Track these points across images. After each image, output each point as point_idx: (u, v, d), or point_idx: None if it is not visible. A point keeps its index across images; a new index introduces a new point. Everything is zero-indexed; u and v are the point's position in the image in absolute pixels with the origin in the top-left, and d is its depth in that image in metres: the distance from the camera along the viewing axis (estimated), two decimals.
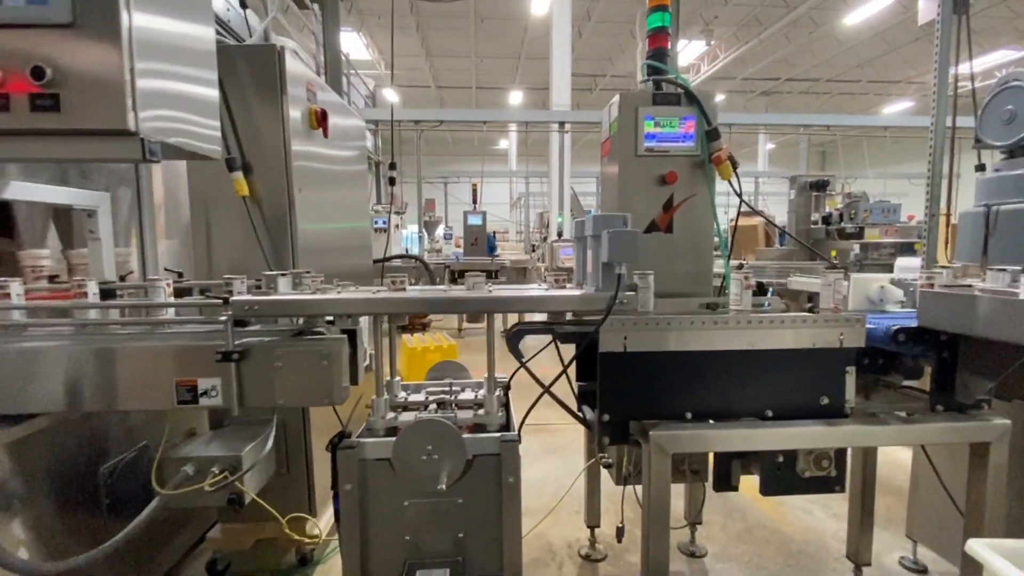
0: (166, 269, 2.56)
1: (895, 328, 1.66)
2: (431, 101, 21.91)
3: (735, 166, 2.15)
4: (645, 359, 1.58)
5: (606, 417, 1.60)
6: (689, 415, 1.61)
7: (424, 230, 14.37)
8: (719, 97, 20.50)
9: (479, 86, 20.56)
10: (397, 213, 13.13)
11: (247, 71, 2.11)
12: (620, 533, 2.28)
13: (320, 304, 1.49)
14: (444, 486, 1.37)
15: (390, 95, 20.50)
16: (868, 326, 1.75)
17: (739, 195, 2.21)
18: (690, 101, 2.08)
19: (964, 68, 4.18)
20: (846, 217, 7.62)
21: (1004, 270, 1.76)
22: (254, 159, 2.17)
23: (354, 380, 1.62)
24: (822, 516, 2.87)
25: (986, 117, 3.20)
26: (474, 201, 10.07)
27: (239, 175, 2.09)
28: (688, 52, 16.06)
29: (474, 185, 10.64)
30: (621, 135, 2.10)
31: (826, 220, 7.90)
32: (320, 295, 1.54)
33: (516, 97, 20.36)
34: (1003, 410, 1.72)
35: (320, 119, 2.37)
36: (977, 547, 1.30)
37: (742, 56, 16.10)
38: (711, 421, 1.61)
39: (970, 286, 1.78)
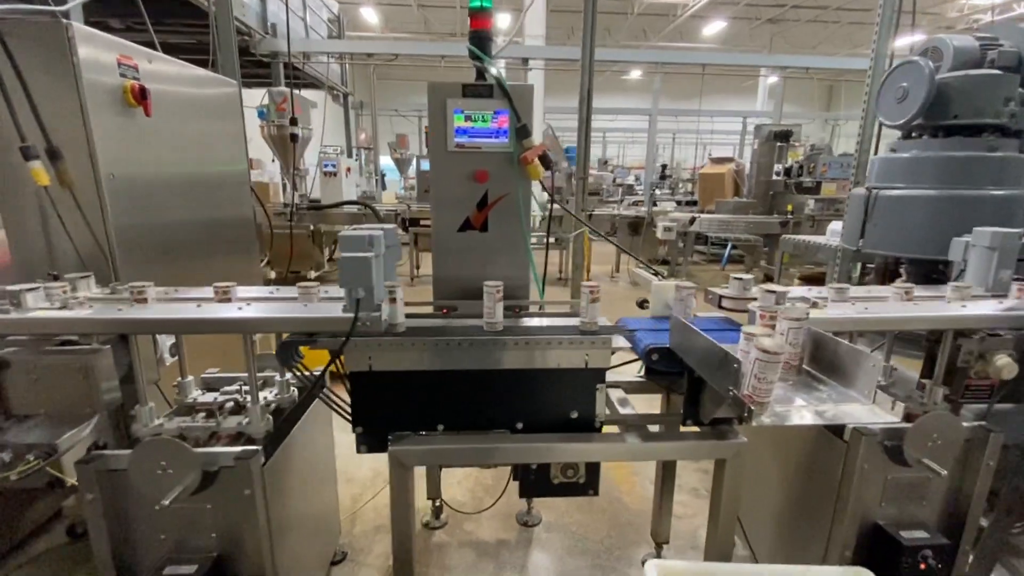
0: None
1: (648, 347, 1.68)
2: (414, 23, 20.59)
3: (547, 165, 2.08)
4: (392, 377, 1.62)
5: (359, 430, 1.67)
6: (441, 427, 1.67)
7: (399, 169, 14.01)
8: (719, 25, 19.27)
9: (463, 6, 19.21)
10: (366, 149, 12.75)
11: (36, 51, 1.99)
12: (438, 512, 2.43)
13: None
14: (168, 502, 1.45)
15: (368, 14, 19.28)
16: (639, 337, 1.78)
17: (551, 195, 2.15)
18: (502, 94, 1.98)
19: None
20: (805, 170, 7.41)
21: (740, 279, 1.77)
22: (64, 145, 2.10)
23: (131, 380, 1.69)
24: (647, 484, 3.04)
25: (883, 94, 3.04)
26: (427, 144, 9.73)
27: (35, 164, 2.02)
28: None
29: (427, 130, 10.21)
30: (433, 129, 2.02)
31: (787, 172, 7.68)
32: (38, 313, 1.53)
33: (504, 20, 19.09)
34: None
35: (139, 96, 2.26)
36: (649, 568, 1.40)
37: None
38: (460, 433, 1.68)
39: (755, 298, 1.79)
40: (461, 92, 1.99)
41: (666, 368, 1.67)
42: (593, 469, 1.76)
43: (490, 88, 1.98)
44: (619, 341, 1.70)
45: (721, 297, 1.87)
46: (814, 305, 1.73)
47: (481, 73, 2.04)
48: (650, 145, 11.77)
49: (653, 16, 19.55)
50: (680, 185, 13.44)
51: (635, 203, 10.32)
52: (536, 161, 2.00)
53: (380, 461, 2.43)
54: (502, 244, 2.10)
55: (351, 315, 1.52)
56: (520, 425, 1.69)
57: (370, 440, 1.69)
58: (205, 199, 2.91)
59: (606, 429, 1.76)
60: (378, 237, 1.59)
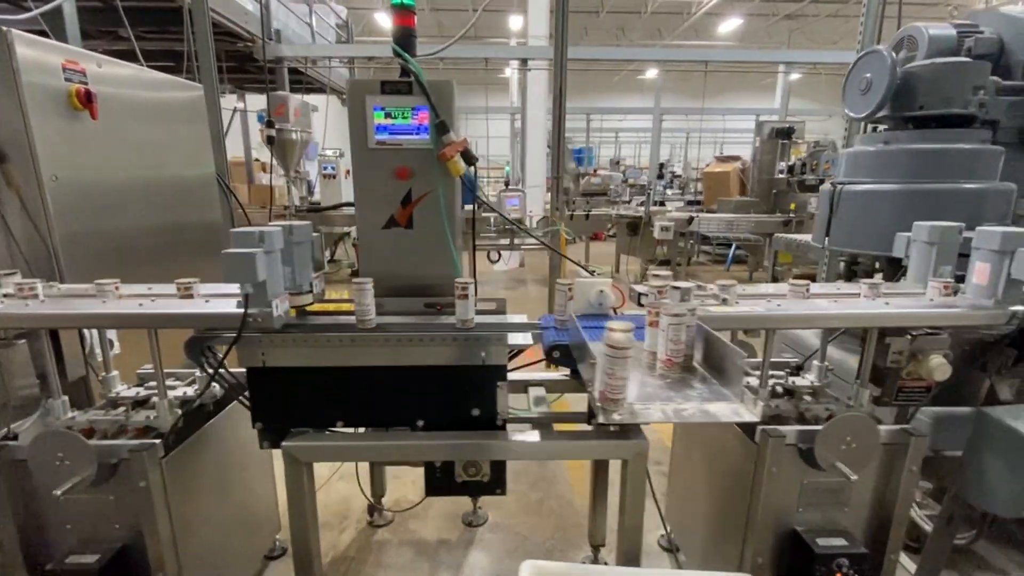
0: None
1: (549, 344, 1.65)
2: (427, 25, 20.80)
3: (470, 161, 2.06)
4: (287, 373, 1.62)
5: (259, 425, 1.68)
6: (340, 424, 1.67)
7: None
8: (735, 23, 18.90)
9: (475, 8, 19.33)
10: None
11: None
12: (371, 511, 2.43)
13: None
14: (60, 493, 1.48)
15: (383, 19, 19.53)
16: (547, 335, 1.76)
17: (473, 192, 2.13)
18: (420, 90, 1.97)
19: None
20: (808, 168, 7.21)
21: (659, 275, 1.71)
22: (7, 148, 2.18)
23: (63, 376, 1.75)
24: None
25: (848, 86, 2.93)
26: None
27: None
28: None
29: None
30: (353, 126, 2.02)
31: (790, 170, 7.49)
32: None
33: (517, 22, 19.14)
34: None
35: (84, 100, 2.33)
36: (524, 569, 1.37)
37: None
38: (362, 430, 1.68)
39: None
40: (380, 89, 1.99)
41: (566, 365, 1.64)
42: (498, 468, 1.74)
43: (409, 85, 1.98)
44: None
45: (640, 295, 1.82)
46: (724, 302, 1.68)
47: (406, 71, 2.03)
48: (654, 144, 11.61)
49: (667, 15, 19.32)
50: (690, 185, 13.23)
51: (642, 203, 10.19)
52: (456, 157, 1.99)
53: None
54: (428, 241, 2.09)
55: (242, 311, 1.53)
56: (421, 423, 1.68)
57: (272, 437, 1.70)
58: (167, 203, 2.96)
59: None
60: (273, 233, 1.60)
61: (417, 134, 2.02)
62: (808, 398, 1.89)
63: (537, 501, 2.86)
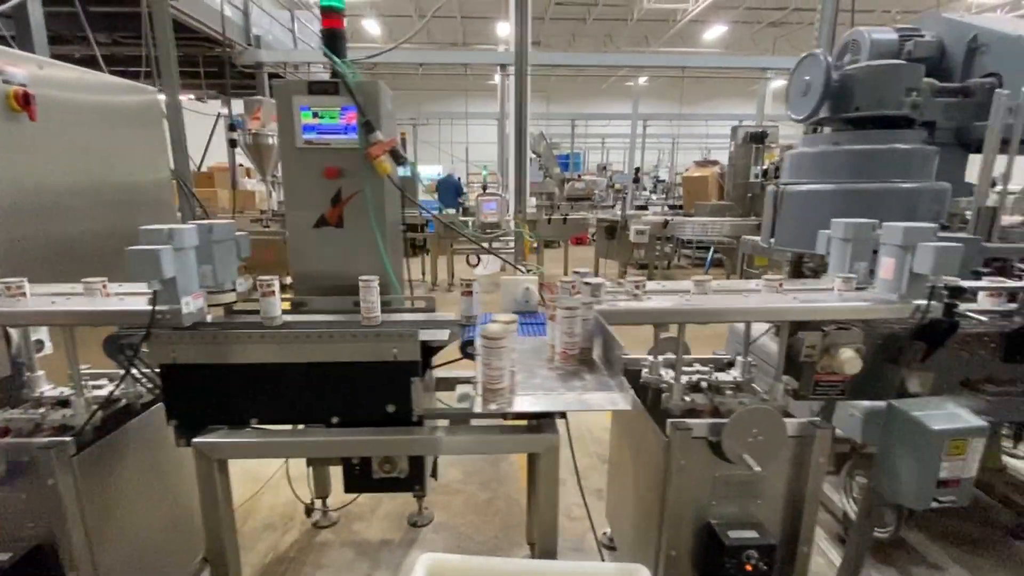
0: None
1: (464, 340, 1.67)
2: (416, 31, 20.84)
3: (400, 161, 2.09)
4: (200, 370, 1.63)
5: (174, 423, 1.68)
6: (255, 422, 1.68)
7: None
8: (720, 30, 19.09)
9: (464, 15, 19.49)
10: None
11: None
12: (308, 511, 2.43)
13: None
14: None
15: (371, 26, 19.63)
16: (465, 331, 1.77)
17: (401, 191, 2.15)
18: (347, 90, 1.99)
19: None
20: (781, 171, 7.26)
21: (579, 272, 1.73)
22: None
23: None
24: (572, 489, 2.99)
25: (791, 89, 2.98)
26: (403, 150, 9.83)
27: None
28: None
29: (403, 134, 10.34)
30: (282, 126, 2.04)
31: (764, 174, 7.56)
32: None
33: (504, 28, 19.27)
34: None
35: (23, 102, 2.34)
36: (420, 563, 1.39)
37: None
38: (278, 427, 1.69)
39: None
40: (307, 89, 2.01)
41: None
42: (417, 464, 1.75)
43: (336, 85, 2.00)
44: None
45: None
46: (635, 297, 1.70)
47: (336, 72, 2.06)
48: (631, 149, 11.74)
49: (654, 22, 19.50)
50: (674, 189, 13.32)
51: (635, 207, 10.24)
52: (384, 156, 2.01)
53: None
54: (359, 241, 2.11)
55: (150, 308, 1.54)
56: (336, 419, 1.69)
57: (188, 434, 1.70)
58: (116, 208, 2.95)
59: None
60: (184, 231, 1.62)
61: (345, 133, 2.04)
62: (730, 393, 1.91)
63: (485, 501, 2.86)
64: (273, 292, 1.70)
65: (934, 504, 1.66)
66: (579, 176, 12.61)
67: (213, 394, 1.66)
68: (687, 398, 1.80)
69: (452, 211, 9.24)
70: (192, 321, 1.63)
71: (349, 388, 1.67)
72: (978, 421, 1.62)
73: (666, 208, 9.93)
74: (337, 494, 2.89)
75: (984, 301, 2.09)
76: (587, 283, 1.63)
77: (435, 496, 2.91)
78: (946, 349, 1.89)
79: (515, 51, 4.18)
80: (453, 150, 16.93)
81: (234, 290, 1.92)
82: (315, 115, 2.03)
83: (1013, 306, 1.91)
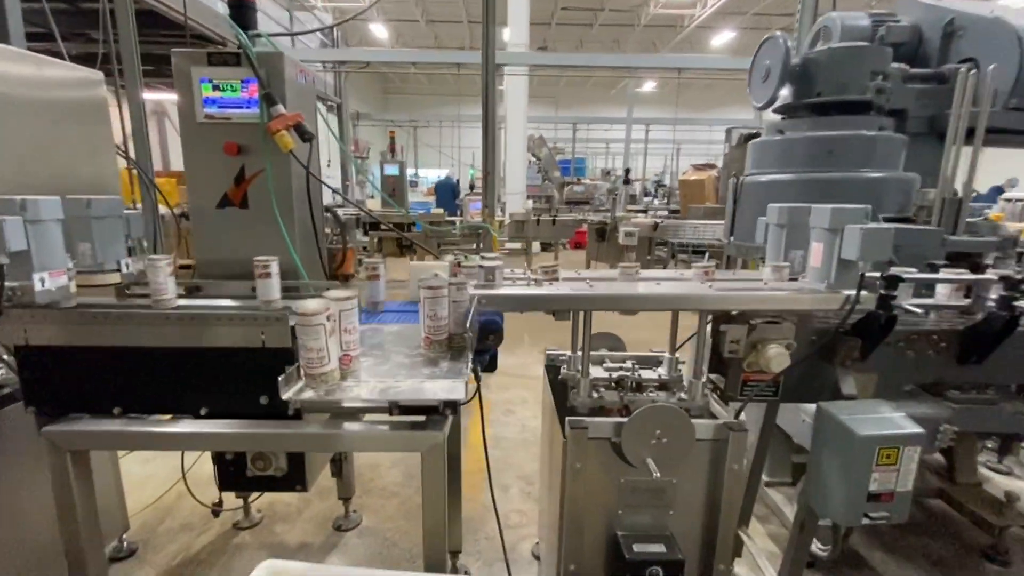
0: None
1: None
2: (423, 37, 20.98)
3: (305, 137, 1.96)
4: (55, 353, 1.51)
5: (32, 409, 1.56)
6: (117, 411, 1.55)
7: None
8: (728, 36, 18.89)
9: (471, 20, 19.54)
10: (360, 158, 12.96)
11: None
12: (215, 512, 2.29)
13: None
14: None
15: (378, 30, 19.75)
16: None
17: (306, 168, 2.01)
18: (247, 61, 1.87)
19: None
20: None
21: (488, 257, 1.57)
22: None
23: None
24: (516, 495, 2.83)
25: (752, 75, 2.81)
26: (391, 150, 9.78)
27: None
28: None
29: (391, 133, 10.29)
30: (182, 99, 1.93)
31: None
32: None
33: (508, 34, 19.29)
34: None
35: None
36: (259, 569, 1.24)
37: None
38: (147, 416, 1.55)
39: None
40: (207, 60, 1.90)
41: None
42: (296, 462, 1.60)
43: (237, 56, 1.89)
44: None
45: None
46: (536, 283, 1.54)
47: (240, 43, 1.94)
48: (627, 154, 11.59)
49: (662, 27, 19.38)
50: (675, 194, 13.10)
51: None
52: (285, 132, 1.88)
53: None
54: (265, 222, 1.98)
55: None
56: (204, 410, 1.55)
57: (49, 422, 1.58)
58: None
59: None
60: (42, 203, 1.50)
61: (248, 107, 1.92)
62: (651, 392, 1.74)
63: (419, 505, 2.70)
64: (163, 270, 1.56)
65: (865, 521, 1.47)
66: (578, 180, 12.45)
67: (71, 379, 1.53)
68: (595, 395, 1.64)
69: (444, 212, 9.15)
70: (49, 300, 1.50)
71: (218, 377, 1.53)
72: (913, 427, 1.43)
73: (669, 213, 9.74)
74: (264, 494, 2.76)
75: (943, 296, 1.89)
76: (482, 266, 1.48)
77: (369, 499, 2.76)
78: (892, 348, 1.71)
79: (482, 48, 4.07)
80: (454, 153, 16.91)
81: (118, 271, 1.80)
82: (216, 88, 1.91)
83: (968, 302, 1.71)
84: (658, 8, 17.32)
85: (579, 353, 1.84)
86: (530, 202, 10.98)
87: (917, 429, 1.42)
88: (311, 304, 1.03)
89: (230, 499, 2.49)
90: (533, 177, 12.67)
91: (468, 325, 1.20)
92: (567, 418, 1.49)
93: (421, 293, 1.25)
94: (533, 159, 12.29)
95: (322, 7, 14.23)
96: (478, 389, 1.45)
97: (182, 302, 1.72)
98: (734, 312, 1.63)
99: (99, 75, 3.14)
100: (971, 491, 2.50)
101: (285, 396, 1.10)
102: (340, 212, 7.92)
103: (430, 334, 1.29)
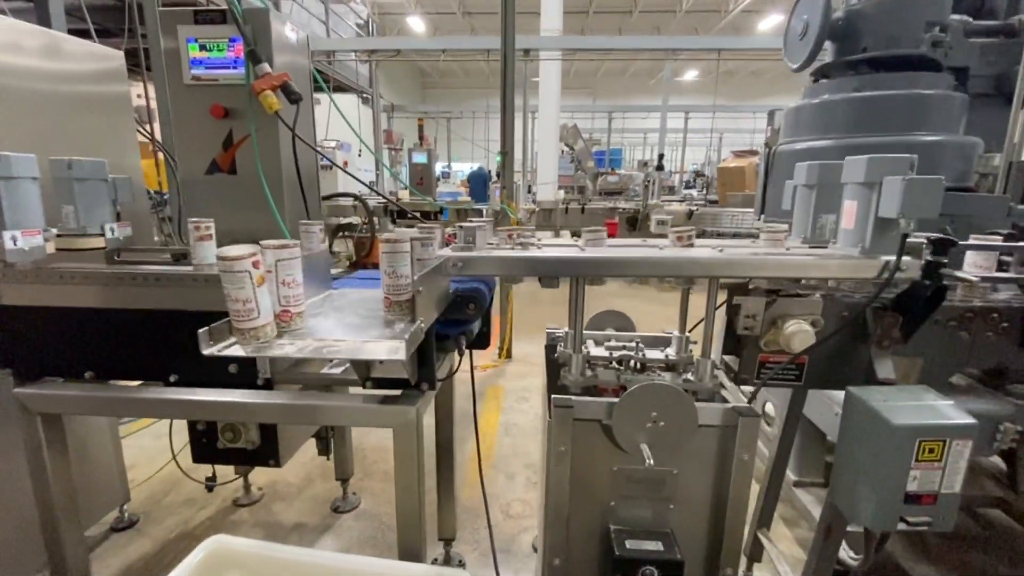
0: None
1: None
2: (461, 29, 20.94)
3: (292, 98, 1.86)
4: (28, 313, 1.46)
5: (8, 371, 1.52)
6: (89, 375, 1.49)
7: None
8: (776, 20, 17.95)
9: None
10: (393, 149, 13.04)
11: None
12: (208, 487, 2.25)
13: None
14: None
15: (415, 24, 19.85)
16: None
17: (292, 131, 1.91)
18: (232, 17, 1.79)
19: None
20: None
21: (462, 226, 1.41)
22: None
23: None
24: (521, 484, 2.69)
25: (788, 35, 2.55)
26: (420, 138, 9.72)
27: None
28: None
29: (419, 121, 10.23)
30: (169, 60, 1.87)
31: None
32: None
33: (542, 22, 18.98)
34: None
35: None
36: (204, 544, 1.16)
37: None
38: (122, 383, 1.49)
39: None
40: (193, 19, 1.83)
41: None
42: (269, 436, 1.51)
43: (223, 14, 1.81)
44: None
45: None
46: (520, 246, 1.39)
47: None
48: (661, 139, 11.16)
49: (704, 13, 18.65)
50: (713, 184, 12.57)
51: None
52: (270, 92, 1.79)
53: None
54: (255, 187, 1.90)
55: None
56: (174, 378, 1.48)
57: (24, 385, 1.54)
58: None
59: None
60: (18, 158, 1.45)
61: (235, 67, 1.84)
62: (655, 372, 1.56)
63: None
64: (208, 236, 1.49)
65: (902, 526, 1.26)
66: (613, 171, 12.11)
67: (44, 341, 1.49)
68: (589, 373, 1.47)
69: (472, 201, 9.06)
70: (20, 259, 1.46)
71: (187, 343, 1.45)
72: (964, 417, 1.20)
73: (703, 201, 9.33)
74: (265, 472, 2.73)
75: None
76: (462, 227, 1.34)
77: (370, 482, 2.68)
78: (941, 328, 1.47)
79: (501, 37, 3.95)
80: (488, 146, 16.83)
81: (102, 235, 1.75)
82: (202, 48, 1.84)
83: None
84: None
85: (570, 331, 1.68)
86: (561, 192, 10.75)
87: (968, 420, 1.19)
88: (234, 249, 0.92)
89: (229, 475, 2.47)
90: (566, 167, 12.41)
91: (416, 281, 1.06)
92: (552, 396, 1.34)
93: (380, 248, 1.12)
94: (566, 149, 12.03)
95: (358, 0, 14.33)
96: (458, 367, 1.31)
97: (168, 269, 1.66)
98: (751, 285, 1.44)
99: (118, 53, 3.17)
100: None
101: (206, 351, 1.00)
102: (370, 202, 7.96)
103: (390, 294, 1.16)
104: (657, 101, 12.92)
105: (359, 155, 10.05)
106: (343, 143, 8.95)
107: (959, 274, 1.31)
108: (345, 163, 8.35)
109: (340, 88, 11.76)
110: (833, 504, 1.45)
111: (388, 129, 14.04)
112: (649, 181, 7.45)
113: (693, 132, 17.00)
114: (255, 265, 0.93)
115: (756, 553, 1.99)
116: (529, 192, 11.85)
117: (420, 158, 8.03)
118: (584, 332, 1.77)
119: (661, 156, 8.82)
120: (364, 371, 1.39)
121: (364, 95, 12.85)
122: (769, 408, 2.50)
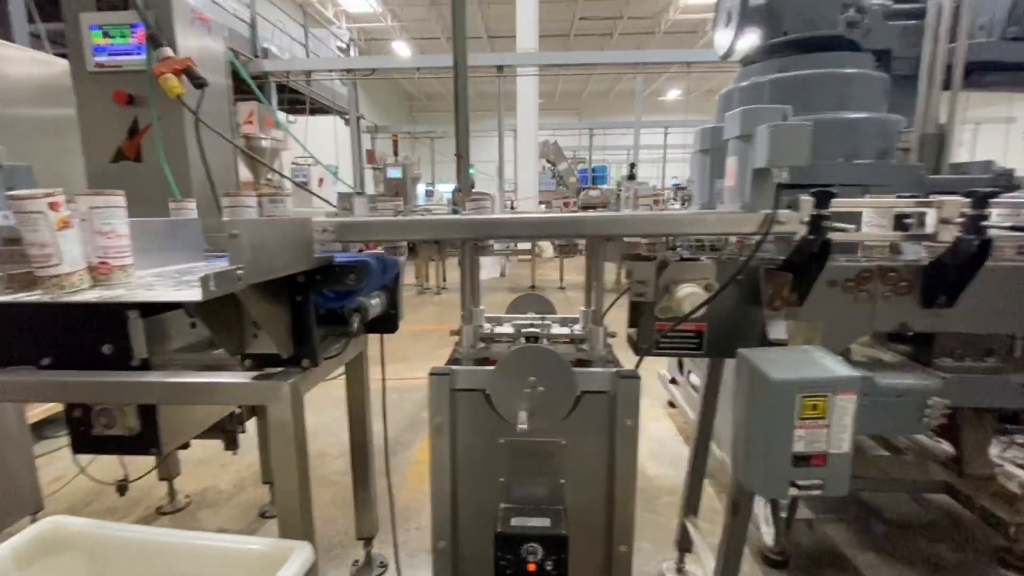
0: None
1: None
2: (445, 53, 21.31)
3: (197, 83, 1.84)
4: None
5: None
6: None
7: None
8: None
9: (491, 35, 19.78)
10: (376, 168, 13.10)
11: None
12: (120, 490, 2.15)
13: None
14: None
15: (400, 48, 20.21)
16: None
17: (195, 115, 1.89)
18: (133, 2, 1.78)
19: None
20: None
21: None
22: None
23: None
24: None
25: (716, 24, 2.57)
26: (395, 153, 9.80)
27: None
28: None
29: (394, 137, 10.32)
30: (71, 48, 1.85)
31: None
32: None
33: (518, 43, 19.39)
34: None
35: None
36: (39, 523, 1.08)
37: None
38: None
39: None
40: (96, 5, 1.82)
41: None
42: (149, 422, 1.44)
43: (125, 0, 1.80)
44: None
45: None
46: (398, 214, 1.35)
47: None
48: (635, 150, 11.30)
49: (683, 34, 19.14)
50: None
51: None
52: (171, 75, 1.77)
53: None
54: (161, 176, 1.87)
55: None
56: (47, 360, 1.41)
57: None
58: None
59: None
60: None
61: (139, 54, 1.83)
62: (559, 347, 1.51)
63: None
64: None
65: (794, 491, 1.19)
66: (595, 186, 12.22)
67: None
68: (480, 345, 1.42)
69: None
70: None
71: (59, 324, 1.39)
72: (846, 370, 1.15)
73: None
74: (195, 478, 2.64)
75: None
76: (340, 194, 1.31)
77: None
78: (839, 289, 1.43)
79: (453, 51, 4.04)
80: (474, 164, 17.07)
81: None
82: (106, 34, 1.83)
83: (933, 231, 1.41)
84: (678, 14, 17.08)
85: (477, 309, 1.63)
86: (542, 207, 10.82)
87: (851, 372, 1.14)
88: (27, 189, 0.88)
89: (152, 479, 2.38)
90: (548, 183, 12.52)
91: (228, 223, 1.00)
92: (432, 368, 1.28)
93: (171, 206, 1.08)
94: (547, 165, 12.15)
95: (337, 23, 14.60)
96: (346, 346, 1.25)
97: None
98: (642, 250, 1.40)
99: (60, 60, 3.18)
100: (983, 484, 2.12)
101: (1, 299, 0.95)
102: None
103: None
104: (644, 119, 13.32)
105: (335, 173, 10.09)
106: (320, 162, 9.04)
107: (840, 225, 1.27)
108: (320, 180, 8.36)
109: (320, 110, 11.86)
110: (736, 478, 1.39)
111: (371, 149, 14.15)
112: (621, 189, 7.49)
113: (673, 148, 17.25)
114: (53, 207, 0.88)
115: (686, 543, 1.90)
116: (511, 208, 11.89)
117: (395, 173, 8.07)
118: (503, 316, 1.73)
119: (632, 165, 8.89)
120: (236, 345, 1.32)
121: (345, 116, 12.98)
122: (694, 379, 2.43)
